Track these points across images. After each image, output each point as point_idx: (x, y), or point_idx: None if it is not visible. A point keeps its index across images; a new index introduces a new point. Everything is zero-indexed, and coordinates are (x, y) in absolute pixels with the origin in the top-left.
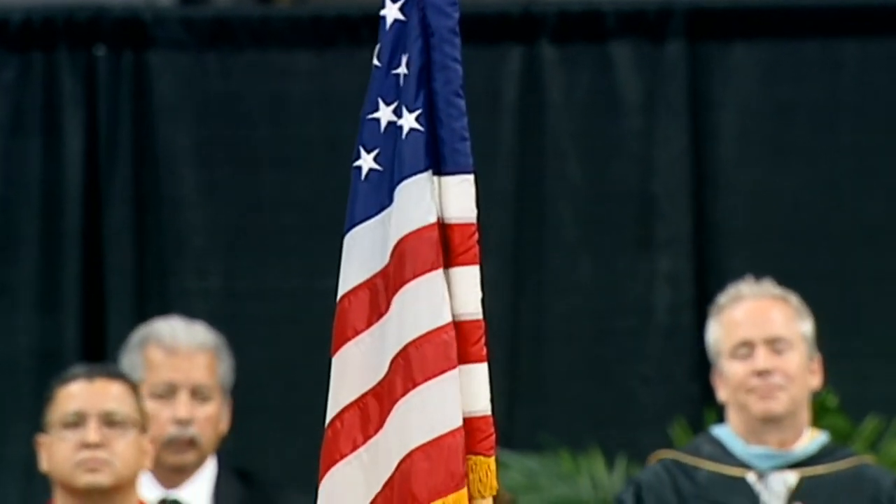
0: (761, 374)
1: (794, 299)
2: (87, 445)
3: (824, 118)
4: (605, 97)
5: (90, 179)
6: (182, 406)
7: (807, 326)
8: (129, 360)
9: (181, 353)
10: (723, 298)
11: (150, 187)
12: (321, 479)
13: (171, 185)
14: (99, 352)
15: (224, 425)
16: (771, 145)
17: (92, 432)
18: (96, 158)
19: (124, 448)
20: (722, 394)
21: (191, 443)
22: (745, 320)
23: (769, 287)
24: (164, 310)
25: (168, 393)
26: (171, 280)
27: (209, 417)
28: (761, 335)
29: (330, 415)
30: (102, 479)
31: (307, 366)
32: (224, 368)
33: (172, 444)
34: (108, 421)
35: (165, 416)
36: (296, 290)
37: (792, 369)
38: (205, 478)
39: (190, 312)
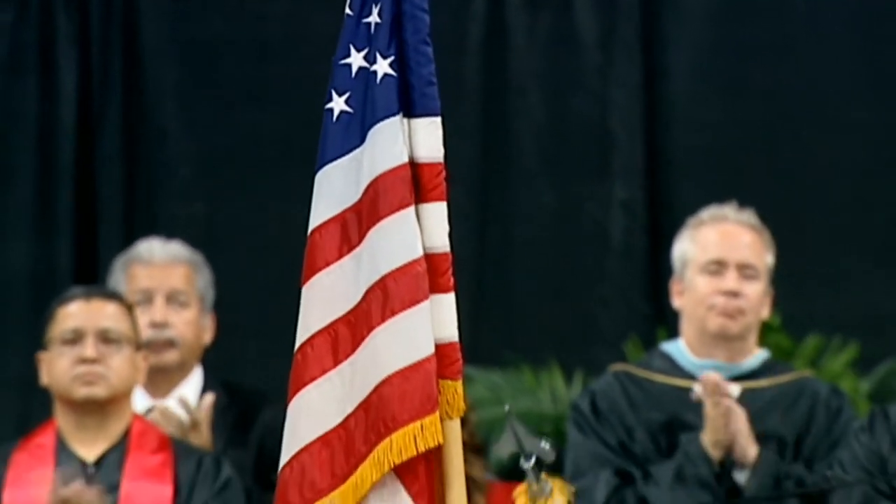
0: (727, 293)
1: (766, 232)
2: (84, 360)
3: (775, 56)
4: (565, 37)
5: (83, 113)
6: (158, 310)
7: (771, 259)
8: (114, 280)
9: (157, 264)
10: (705, 215)
11: (138, 121)
12: (290, 401)
13: (157, 119)
14: (91, 274)
15: (207, 335)
16: (722, 82)
17: (89, 348)
18: (89, 94)
19: (119, 363)
20: (678, 301)
21: (169, 343)
22: (722, 241)
23: (749, 215)
24: (151, 234)
25: (145, 300)
26: (158, 207)
27: (188, 322)
28: (735, 258)
29: (300, 340)
30: (99, 391)
31: (285, 289)
32: (202, 281)
33: (151, 346)
34: (104, 338)
35: (143, 321)
36: (274, 215)
37: (754, 297)
38: (191, 387)
39: (175, 237)
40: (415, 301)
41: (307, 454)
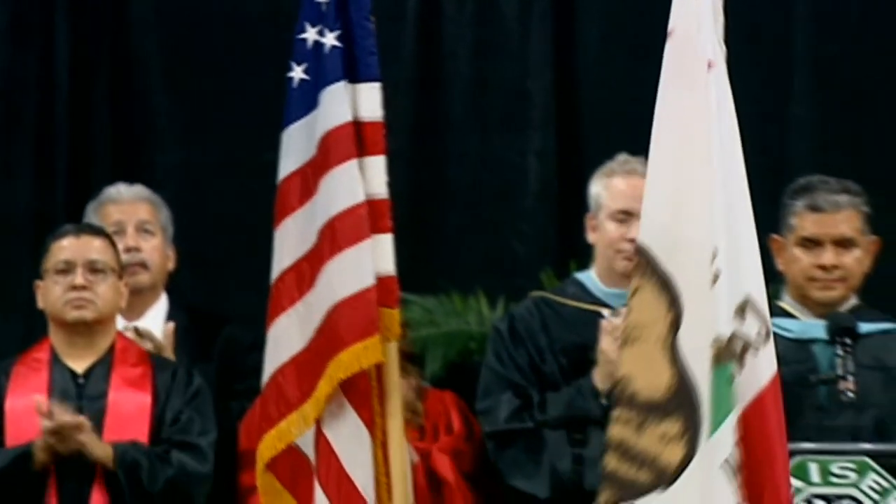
0: (631, 241)
1: None
2: (74, 287)
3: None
4: (490, 9)
5: (76, 75)
6: (130, 237)
7: None
8: (89, 220)
9: (125, 201)
10: (616, 165)
11: (125, 82)
12: (268, 326)
13: (142, 80)
14: (82, 214)
15: (171, 263)
16: (624, 49)
17: (79, 277)
18: (82, 58)
19: (104, 290)
20: (592, 236)
21: (141, 265)
22: (629, 193)
23: None
24: (135, 180)
25: (118, 231)
26: (142, 156)
27: (155, 248)
28: (639, 209)
29: (274, 276)
30: (87, 314)
31: (258, 229)
32: (163, 216)
33: (126, 268)
34: (92, 268)
35: (119, 248)
36: (245, 161)
37: None
38: (159, 311)
39: (156, 181)
40: (358, 239)
41: (281, 374)
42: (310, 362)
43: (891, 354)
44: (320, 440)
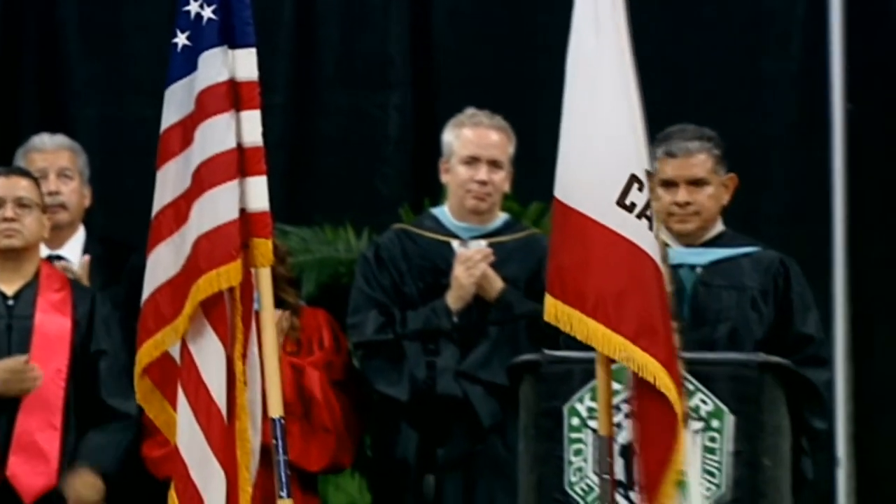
0: (479, 182)
1: (510, 130)
2: (5, 220)
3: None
4: None
5: (8, 42)
6: (51, 183)
7: (512, 150)
8: (19, 164)
9: (48, 150)
10: (465, 118)
11: (49, 47)
12: (148, 253)
13: (64, 45)
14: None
15: (87, 201)
16: (473, 20)
17: (9, 211)
18: (14, 25)
19: (30, 222)
20: (445, 178)
21: (61, 206)
22: (477, 141)
23: (499, 120)
24: (59, 131)
25: (41, 177)
26: (65, 110)
27: (74, 190)
28: (486, 155)
29: (155, 211)
30: (15, 242)
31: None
32: (82, 161)
33: (48, 209)
34: (20, 203)
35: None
36: (148, 116)
37: (499, 182)
38: (77, 241)
39: (76, 131)
40: (223, 181)
41: (159, 294)
42: (181, 285)
43: (746, 275)
44: (184, 352)
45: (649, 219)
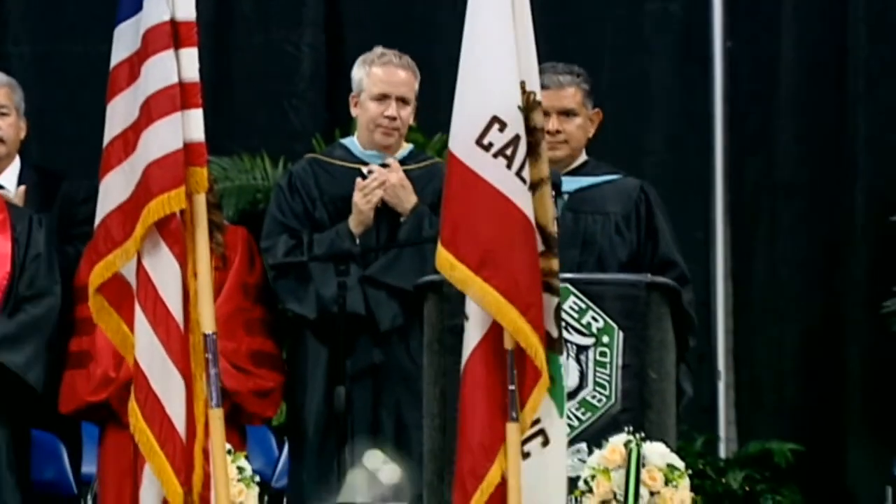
0: (389, 118)
1: (415, 68)
2: None
3: None
4: None
5: None
6: None
7: (417, 86)
8: None
9: None
10: (374, 56)
11: None
12: (100, 180)
13: None
14: None
15: (23, 133)
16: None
17: None
18: None
19: (10, 124)
20: (355, 111)
21: (0, 141)
22: (387, 79)
23: (406, 59)
24: None
25: None
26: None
27: (11, 124)
28: (395, 92)
29: (106, 141)
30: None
31: (92, 105)
32: (18, 96)
33: None
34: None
35: None
36: (87, 52)
37: (406, 117)
38: (13, 170)
39: (12, 68)
40: (168, 112)
41: (109, 218)
42: (131, 210)
43: (609, 201)
44: (140, 270)
45: (508, 157)
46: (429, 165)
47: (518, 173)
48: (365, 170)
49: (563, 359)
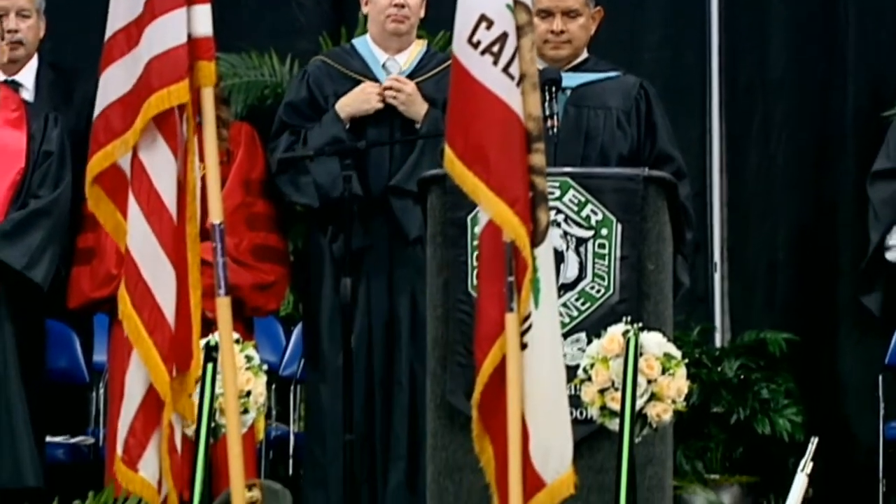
0: (398, 6)
1: None
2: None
3: None
4: None
5: None
6: (11, 21)
7: None
8: None
9: None
10: None
11: None
12: (100, 74)
13: None
14: None
15: (41, 33)
16: None
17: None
18: None
19: (30, 27)
20: (365, 9)
21: (20, 42)
22: None
23: None
24: None
25: (4, 14)
26: None
27: (31, 27)
28: None
29: (108, 34)
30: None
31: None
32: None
33: (8, 45)
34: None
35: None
36: None
37: (415, 6)
38: (31, 68)
39: None
40: (173, 7)
41: (110, 110)
42: (132, 102)
43: (610, 97)
44: (135, 162)
45: (494, 54)
46: (444, 69)
47: (505, 69)
48: (375, 67)
49: (544, 250)
